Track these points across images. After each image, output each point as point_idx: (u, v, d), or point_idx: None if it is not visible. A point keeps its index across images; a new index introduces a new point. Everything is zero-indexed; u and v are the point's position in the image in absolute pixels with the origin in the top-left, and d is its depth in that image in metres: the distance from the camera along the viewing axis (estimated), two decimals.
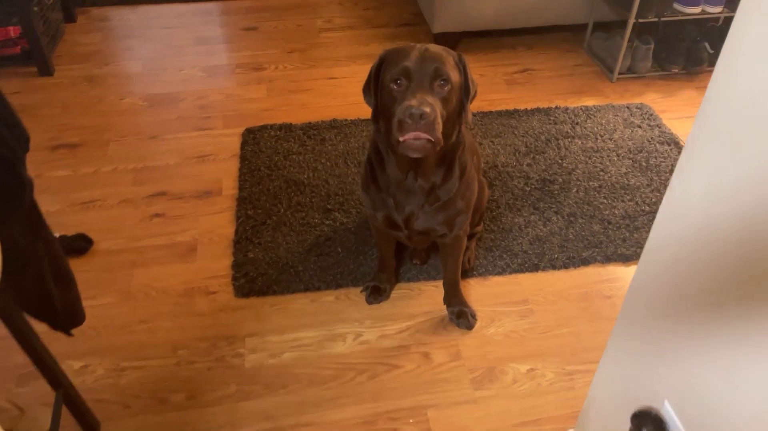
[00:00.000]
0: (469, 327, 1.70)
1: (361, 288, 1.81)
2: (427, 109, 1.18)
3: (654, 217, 2.08)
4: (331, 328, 1.71)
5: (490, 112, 2.54)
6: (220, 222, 2.04)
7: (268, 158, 2.28)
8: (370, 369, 1.61)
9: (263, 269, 1.86)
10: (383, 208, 1.51)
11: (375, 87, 1.35)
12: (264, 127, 2.43)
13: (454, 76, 1.28)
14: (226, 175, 2.24)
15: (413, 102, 1.19)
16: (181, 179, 2.22)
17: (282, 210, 2.05)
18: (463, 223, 1.53)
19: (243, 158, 2.29)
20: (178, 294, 1.81)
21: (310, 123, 2.46)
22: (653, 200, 2.10)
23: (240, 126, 2.47)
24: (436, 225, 1.49)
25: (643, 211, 2.06)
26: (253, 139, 2.38)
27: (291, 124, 2.45)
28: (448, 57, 1.28)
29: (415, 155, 1.24)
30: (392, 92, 1.26)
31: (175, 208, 2.10)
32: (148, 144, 2.39)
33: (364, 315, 1.75)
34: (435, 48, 1.29)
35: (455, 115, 1.32)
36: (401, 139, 1.22)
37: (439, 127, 1.22)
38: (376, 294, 1.77)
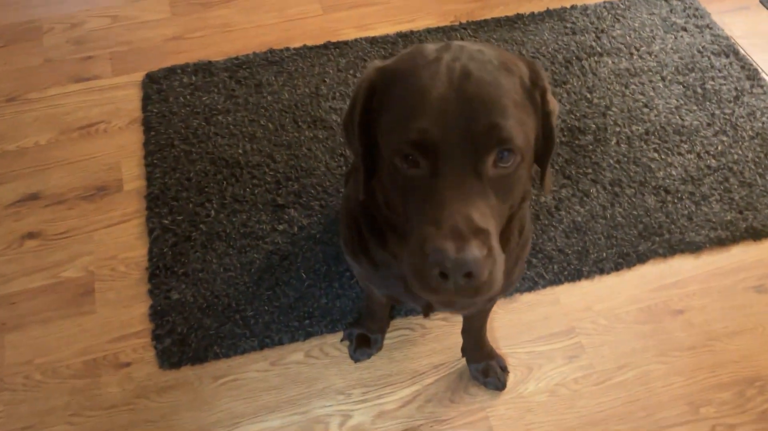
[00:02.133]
0: (501, 387, 1.21)
1: (341, 336, 1.27)
2: (477, 254, 0.60)
3: (727, 175, 1.57)
4: (306, 409, 1.19)
5: (485, 20, 1.85)
6: (123, 239, 1.41)
7: (183, 123, 1.59)
8: None
9: (196, 318, 1.28)
10: (386, 288, 0.93)
11: (361, 129, 0.72)
12: (172, 71, 1.70)
13: (524, 129, 0.66)
14: (126, 154, 1.56)
15: (447, 244, 0.59)
16: (60, 168, 1.54)
17: (212, 212, 1.42)
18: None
19: (147, 125, 1.60)
20: (74, 373, 1.24)
21: (237, 58, 1.74)
22: (719, 149, 1.55)
23: (137, 70, 1.74)
24: (476, 305, 0.94)
25: (708, 167, 1.51)
26: (158, 91, 1.66)
27: (210, 62, 1.73)
28: (509, 84, 0.65)
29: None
30: (400, 172, 0.66)
31: (56, 219, 1.45)
32: (4, 112, 1.65)
33: (351, 381, 1.23)
34: (482, 60, 0.65)
35: (524, 183, 0.72)
36: (426, 291, 0.64)
37: (500, 266, 0.64)
38: (365, 346, 1.24)
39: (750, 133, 1.58)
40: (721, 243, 1.40)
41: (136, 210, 1.45)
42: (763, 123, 1.60)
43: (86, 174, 1.52)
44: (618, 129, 1.58)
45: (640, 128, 1.59)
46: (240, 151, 1.52)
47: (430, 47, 0.68)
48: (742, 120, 1.61)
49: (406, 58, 0.69)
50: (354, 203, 0.88)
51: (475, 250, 0.59)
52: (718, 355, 1.26)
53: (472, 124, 0.62)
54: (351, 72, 1.70)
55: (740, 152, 1.54)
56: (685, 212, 1.44)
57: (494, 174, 0.64)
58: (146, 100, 1.65)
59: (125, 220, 1.44)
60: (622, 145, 1.55)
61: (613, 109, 1.63)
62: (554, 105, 0.72)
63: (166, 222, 1.41)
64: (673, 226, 1.42)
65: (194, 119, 1.59)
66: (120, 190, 1.49)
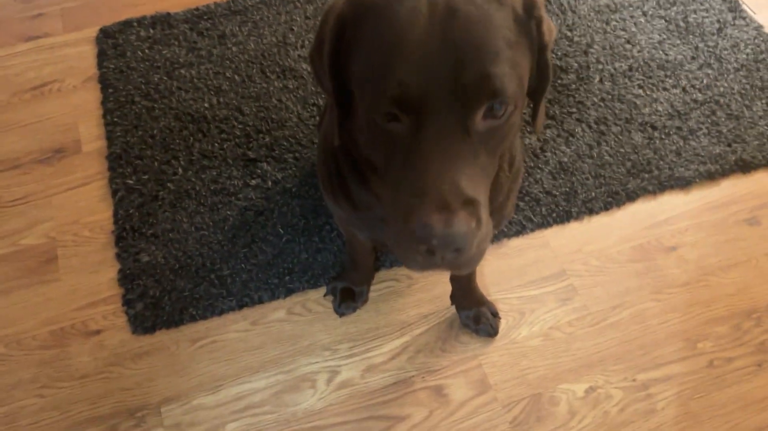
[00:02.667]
0: (493, 333, 1.16)
1: (324, 291, 1.21)
2: (465, 229, 0.55)
3: (714, 109, 1.53)
4: (291, 368, 1.13)
5: None
6: (86, 203, 1.32)
7: (143, 78, 1.49)
8: (362, 429, 1.08)
9: (168, 280, 1.21)
10: (369, 230, 0.87)
11: (331, 67, 0.64)
12: (128, 25, 1.59)
13: (518, 72, 0.58)
14: (83, 114, 1.46)
15: (433, 218, 0.54)
16: (13, 132, 1.43)
17: (180, 170, 1.34)
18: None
19: (104, 83, 1.49)
20: (41, 344, 1.16)
21: (197, 9, 1.63)
22: (705, 82, 1.50)
23: (90, 25, 1.62)
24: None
25: (695, 101, 1.47)
26: (114, 47, 1.55)
27: (169, 13, 1.62)
28: (500, 20, 0.57)
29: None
30: (379, 127, 0.59)
31: (12, 185, 1.35)
32: None
33: (337, 337, 1.17)
34: None
35: (517, 127, 0.65)
36: (412, 264, 0.61)
37: (488, 236, 0.60)
38: (350, 299, 1.18)
39: (734, 65, 1.54)
40: (711, 177, 1.36)
41: (98, 171, 1.36)
42: (747, 54, 1.56)
43: (42, 136, 1.42)
44: (601, 66, 1.52)
45: (623, 65, 1.53)
46: (206, 105, 1.43)
47: None
48: (726, 52, 1.56)
49: None
50: (331, 143, 0.80)
51: (463, 224, 0.54)
52: (712, 290, 1.22)
53: (460, 74, 0.54)
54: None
55: (726, 84, 1.50)
56: (673, 147, 1.39)
57: (484, 127, 0.57)
58: (102, 56, 1.54)
59: (86, 183, 1.35)
60: (606, 83, 1.49)
61: (595, 46, 1.56)
62: (550, 35, 0.64)
63: (131, 182, 1.32)
64: (661, 162, 1.37)
65: (155, 74, 1.49)
66: (79, 152, 1.39)
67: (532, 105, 0.72)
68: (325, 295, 1.20)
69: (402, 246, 0.58)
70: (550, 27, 0.64)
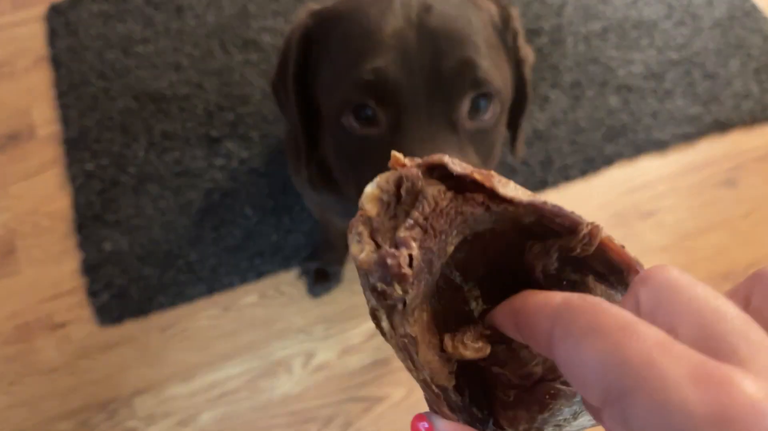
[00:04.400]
0: None
1: (297, 273, 1.18)
2: None
3: (689, 68, 1.50)
4: (266, 353, 1.11)
5: None
6: (44, 191, 1.26)
7: (98, 57, 1.41)
8: (340, 412, 1.06)
9: (134, 268, 1.17)
10: (347, 215, 0.83)
11: (297, 90, 0.60)
12: (79, 1, 1.51)
13: (502, 73, 0.55)
14: (35, 97, 1.38)
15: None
16: None
17: (141, 152, 1.28)
18: None
19: (57, 63, 1.42)
20: (5, 340, 1.12)
21: None
22: (680, 41, 1.46)
23: (39, 3, 1.53)
24: None
25: (670, 61, 1.43)
26: (66, 25, 1.47)
27: None
28: (478, 21, 0.53)
29: None
30: (352, 135, 0.54)
31: None
32: None
33: (311, 319, 1.14)
34: None
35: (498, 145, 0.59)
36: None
37: None
38: (323, 280, 1.15)
39: (709, 22, 1.50)
40: (687, 139, 1.34)
41: (54, 157, 1.30)
42: (721, 12, 1.52)
43: None
44: (574, 28, 1.48)
45: (597, 26, 1.49)
46: (165, 83, 1.37)
47: None
48: (700, 9, 1.52)
49: None
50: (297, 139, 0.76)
51: None
52: (690, 253, 1.21)
53: (440, 62, 0.50)
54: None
55: (701, 43, 1.47)
56: (649, 110, 1.36)
57: (472, 128, 0.52)
58: (53, 35, 1.46)
59: (43, 169, 1.29)
60: (580, 45, 1.45)
61: (568, 7, 1.51)
62: (528, 52, 0.60)
63: (90, 167, 1.26)
64: (637, 125, 1.34)
65: (110, 52, 1.42)
66: (33, 137, 1.33)
67: (510, 128, 0.68)
68: (298, 277, 1.17)
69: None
70: (527, 48, 0.60)
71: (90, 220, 1.21)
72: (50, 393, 1.08)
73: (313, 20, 0.57)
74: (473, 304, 0.28)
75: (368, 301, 0.26)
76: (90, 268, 1.17)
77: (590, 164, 1.30)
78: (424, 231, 0.25)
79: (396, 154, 0.27)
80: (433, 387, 0.25)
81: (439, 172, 0.26)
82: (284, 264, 1.18)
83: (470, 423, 0.25)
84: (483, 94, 0.52)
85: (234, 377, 1.08)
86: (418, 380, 0.25)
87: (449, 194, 0.25)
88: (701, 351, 0.19)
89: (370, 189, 0.25)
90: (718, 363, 0.18)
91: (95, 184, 1.24)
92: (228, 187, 1.24)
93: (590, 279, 0.27)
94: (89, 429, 1.04)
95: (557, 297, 0.23)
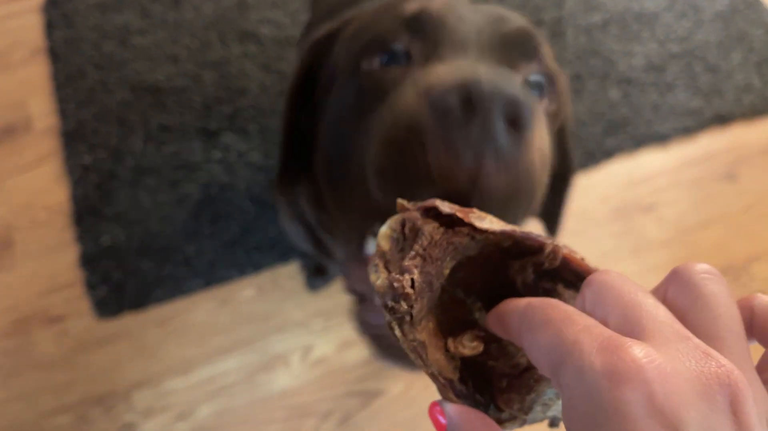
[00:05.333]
0: None
1: (294, 267, 1.17)
2: (519, 89, 0.36)
3: (690, 61, 1.50)
4: (264, 347, 1.10)
5: None
6: (40, 184, 1.25)
7: (95, 48, 1.40)
8: (339, 406, 1.06)
9: (132, 261, 1.16)
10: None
11: (296, 95, 0.56)
12: None
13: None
14: (32, 90, 1.37)
15: (466, 70, 0.37)
16: None
17: (139, 144, 1.27)
18: None
19: (54, 54, 1.40)
20: (2, 333, 1.11)
21: None
22: (682, 34, 1.45)
23: None
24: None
25: (671, 54, 1.42)
26: (62, 16, 1.46)
27: None
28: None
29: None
30: (371, 77, 0.44)
31: None
32: None
33: (309, 312, 1.13)
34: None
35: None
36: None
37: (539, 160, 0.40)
38: (321, 273, 1.14)
39: (711, 15, 1.49)
40: (688, 132, 1.33)
41: (51, 150, 1.29)
42: (723, 4, 1.51)
43: None
44: (574, 20, 1.47)
45: (597, 18, 1.47)
46: (162, 74, 1.36)
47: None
48: (702, 2, 1.51)
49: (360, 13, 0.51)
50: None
51: (516, 84, 0.37)
52: (690, 248, 1.21)
53: (497, 25, 0.44)
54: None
55: (702, 36, 1.45)
56: (650, 103, 1.35)
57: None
58: (50, 26, 1.44)
59: (40, 162, 1.28)
60: (581, 38, 1.44)
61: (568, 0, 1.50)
62: (569, 114, 0.53)
63: (87, 161, 1.25)
64: (638, 119, 1.33)
65: (107, 44, 1.41)
66: (30, 130, 1.32)
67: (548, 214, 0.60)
68: (299, 270, 1.16)
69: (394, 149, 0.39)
70: (568, 108, 0.53)
71: (87, 213, 1.20)
72: (48, 387, 1.07)
73: (315, 50, 0.54)
74: (476, 314, 0.35)
75: (385, 317, 0.32)
76: (88, 261, 1.16)
77: (590, 158, 1.29)
78: (424, 259, 0.32)
79: (401, 201, 0.35)
80: (441, 379, 0.31)
81: (434, 212, 0.33)
82: (282, 258, 1.17)
83: (474, 407, 0.31)
84: (538, 80, 0.45)
85: (232, 371, 1.08)
86: (428, 374, 0.31)
87: (441, 229, 0.33)
88: (623, 333, 0.25)
89: (383, 229, 0.34)
90: (621, 337, 0.25)
91: (92, 177, 1.24)
92: (225, 180, 1.23)
93: (560, 287, 0.33)
94: (87, 423, 1.04)
95: (523, 301, 0.30)
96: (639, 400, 0.22)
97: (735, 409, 0.23)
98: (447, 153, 0.35)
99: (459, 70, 0.37)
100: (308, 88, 0.55)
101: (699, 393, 0.23)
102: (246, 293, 1.15)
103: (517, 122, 0.35)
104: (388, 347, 0.50)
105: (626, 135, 1.31)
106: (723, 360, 0.24)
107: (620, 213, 1.24)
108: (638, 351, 0.24)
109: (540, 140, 0.39)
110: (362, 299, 0.48)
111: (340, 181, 0.48)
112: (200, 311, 1.13)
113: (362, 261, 0.46)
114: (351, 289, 0.52)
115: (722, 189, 1.27)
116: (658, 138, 1.31)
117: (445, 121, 0.35)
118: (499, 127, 0.35)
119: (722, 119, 1.34)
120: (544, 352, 0.27)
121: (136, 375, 1.08)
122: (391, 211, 0.36)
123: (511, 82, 0.36)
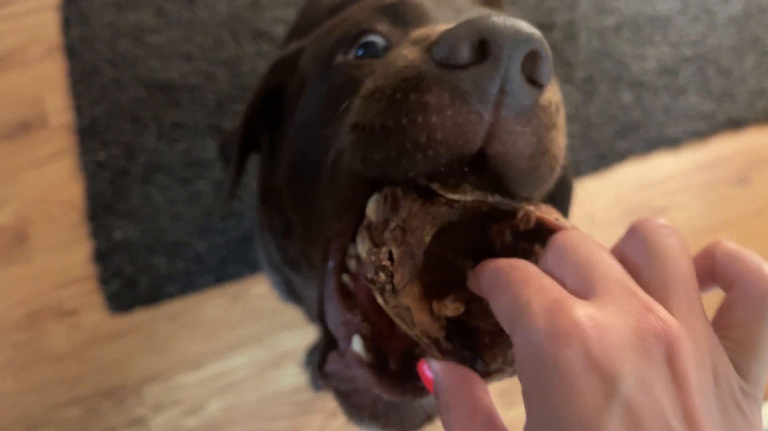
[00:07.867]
0: None
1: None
2: (537, 32, 0.30)
3: (703, 65, 1.50)
4: (273, 343, 1.11)
5: None
6: (55, 179, 1.27)
7: (110, 46, 1.42)
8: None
9: (144, 257, 1.17)
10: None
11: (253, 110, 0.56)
12: None
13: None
14: (48, 86, 1.39)
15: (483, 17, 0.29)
16: None
17: (152, 141, 1.29)
18: None
19: (70, 51, 1.42)
20: (15, 327, 1.13)
21: None
22: (694, 37, 1.45)
23: None
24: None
25: (684, 57, 1.42)
26: (78, 14, 1.47)
27: None
28: None
29: None
30: (343, 71, 0.41)
31: None
32: None
33: None
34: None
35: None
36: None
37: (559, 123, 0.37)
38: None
39: (725, 18, 1.49)
40: (700, 136, 1.33)
41: (65, 146, 1.30)
42: (736, 8, 1.51)
43: (5, 111, 1.36)
44: (587, 23, 1.47)
45: (610, 21, 1.47)
46: (175, 72, 1.37)
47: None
48: (716, 5, 1.51)
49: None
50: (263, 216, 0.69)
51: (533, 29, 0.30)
52: None
53: (480, 10, 0.46)
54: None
55: (716, 39, 1.45)
56: (662, 106, 1.35)
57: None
58: (67, 23, 1.46)
59: (54, 159, 1.29)
60: (593, 40, 1.44)
61: (581, 2, 1.50)
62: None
63: (101, 157, 1.27)
64: (650, 122, 1.33)
65: (121, 40, 1.42)
66: (45, 126, 1.33)
67: None
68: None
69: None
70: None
71: (101, 209, 1.21)
72: (59, 380, 1.09)
73: (278, 69, 0.53)
74: (468, 274, 0.37)
75: (372, 289, 0.34)
76: (101, 257, 1.17)
77: (602, 160, 1.29)
78: (404, 230, 0.34)
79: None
80: (425, 339, 0.33)
81: (414, 184, 0.35)
82: None
83: (461, 362, 0.32)
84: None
85: (241, 367, 1.09)
86: (413, 336, 0.33)
87: (419, 200, 0.34)
88: (577, 292, 0.27)
89: (370, 202, 0.36)
90: (567, 298, 0.26)
91: (106, 174, 1.25)
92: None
93: (537, 247, 0.34)
94: (97, 416, 1.05)
95: (492, 263, 0.31)
96: (576, 357, 0.23)
97: (671, 359, 0.24)
98: (454, 105, 0.30)
99: (463, 18, 0.31)
100: (271, 110, 0.54)
101: (635, 346, 0.24)
102: (256, 290, 1.16)
103: (537, 72, 0.31)
104: (360, 407, 0.43)
105: (638, 138, 1.31)
106: (663, 314, 0.25)
107: (631, 215, 1.24)
108: (580, 310, 0.25)
109: (558, 98, 0.36)
110: (332, 345, 0.41)
111: (309, 186, 0.43)
112: (211, 307, 1.14)
113: (336, 284, 0.40)
114: (326, 333, 0.43)
115: (734, 193, 1.27)
116: (670, 141, 1.31)
117: (453, 68, 0.30)
118: (519, 77, 0.30)
119: (734, 123, 1.33)
120: (503, 313, 0.28)
121: (146, 369, 1.09)
122: (363, 203, 0.36)
123: (531, 27, 0.30)
